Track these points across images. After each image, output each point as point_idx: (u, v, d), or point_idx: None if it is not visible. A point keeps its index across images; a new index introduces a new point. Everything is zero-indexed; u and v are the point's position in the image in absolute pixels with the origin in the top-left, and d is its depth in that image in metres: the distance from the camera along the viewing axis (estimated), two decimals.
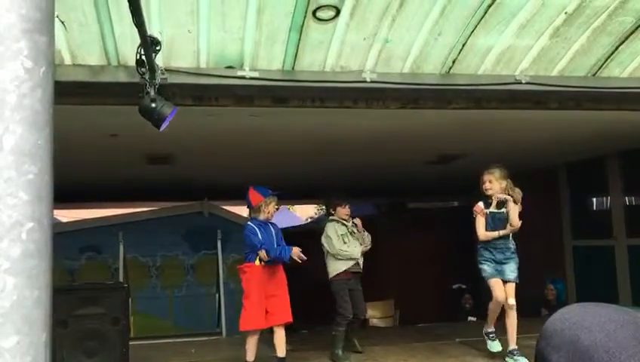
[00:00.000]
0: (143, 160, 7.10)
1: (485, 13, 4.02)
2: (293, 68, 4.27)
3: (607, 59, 4.64)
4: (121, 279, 7.93)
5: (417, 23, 4.06)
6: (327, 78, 4.35)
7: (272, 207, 5.17)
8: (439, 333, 6.91)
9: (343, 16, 3.89)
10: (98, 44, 3.86)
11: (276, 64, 4.23)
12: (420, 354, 5.76)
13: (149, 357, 6.03)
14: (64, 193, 8.10)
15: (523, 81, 4.63)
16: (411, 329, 7.58)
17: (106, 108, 4.43)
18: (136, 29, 3.13)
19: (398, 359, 5.59)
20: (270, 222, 5.21)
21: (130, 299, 5.68)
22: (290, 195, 10.55)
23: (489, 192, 5.27)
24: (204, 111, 4.71)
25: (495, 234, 5.23)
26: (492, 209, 5.28)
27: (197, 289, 8.85)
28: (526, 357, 5.05)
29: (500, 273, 5.24)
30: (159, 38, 3.67)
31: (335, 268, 5.71)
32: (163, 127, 3.87)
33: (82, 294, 4.98)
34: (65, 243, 7.81)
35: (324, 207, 10.71)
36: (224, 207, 9.29)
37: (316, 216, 18.52)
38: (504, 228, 5.23)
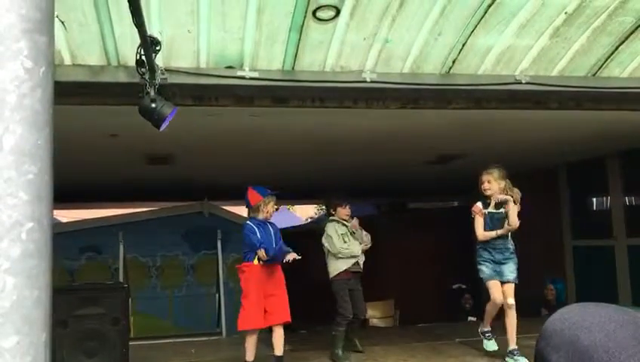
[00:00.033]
0: (143, 160, 7.11)
1: (485, 13, 4.02)
2: (293, 68, 4.27)
3: (607, 59, 4.64)
4: (121, 279, 7.92)
5: (417, 23, 4.06)
6: (327, 78, 4.35)
7: (270, 206, 5.18)
8: (439, 333, 6.91)
9: (343, 16, 3.89)
10: (98, 44, 3.86)
11: (276, 64, 4.23)
12: (420, 354, 5.76)
13: (149, 358, 6.03)
14: (64, 193, 8.11)
15: (523, 81, 4.63)
16: (411, 329, 7.58)
17: (106, 109, 4.43)
18: (136, 29, 3.13)
19: (398, 359, 5.59)
20: (269, 222, 5.22)
21: (130, 299, 5.68)
22: (290, 195, 10.56)
23: (488, 192, 5.28)
24: (204, 112, 4.71)
25: (493, 233, 5.24)
26: (490, 209, 5.29)
27: (197, 289, 8.85)
28: (526, 357, 5.05)
29: (498, 274, 5.25)
30: (159, 38, 3.67)
31: (336, 267, 5.72)
32: (163, 127, 3.87)
33: (82, 294, 4.98)
34: (65, 244, 7.81)
35: (324, 208, 10.72)
36: (224, 207, 9.29)
37: (316, 216, 18.53)
38: (502, 228, 5.23)
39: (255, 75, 4.19)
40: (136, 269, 8.57)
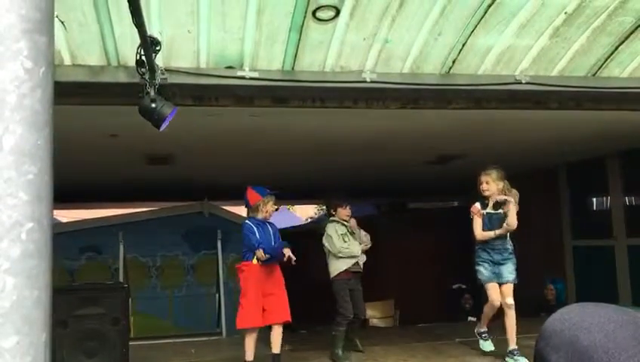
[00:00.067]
0: (143, 160, 7.11)
1: (485, 13, 4.02)
2: (293, 68, 4.27)
3: (607, 59, 4.64)
4: (121, 279, 7.92)
5: (417, 23, 4.06)
6: (327, 78, 4.35)
7: (270, 206, 5.19)
8: (439, 333, 6.91)
9: (342, 17, 3.89)
10: (98, 44, 3.87)
11: (276, 64, 4.23)
12: (420, 354, 5.77)
13: (149, 358, 6.03)
14: (64, 193, 8.11)
15: (523, 81, 4.63)
16: (411, 329, 7.58)
17: (106, 109, 4.43)
18: (136, 29, 3.13)
19: (398, 359, 5.59)
20: (268, 222, 5.23)
21: (130, 299, 5.68)
22: (290, 195, 10.56)
23: (486, 193, 5.31)
24: (204, 112, 4.72)
25: (491, 233, 5.26)
26: (489, 210, 5.32)
27: (197, 289, 8.85)
28: (526, 357, 5.05)
29: (497, 275, 5.27)
30: (159, 38, 3.68)
31: (336, 267, 5.73)
32: (163, 127, 3.87)
33: (82, 294, 4.98)
34: (65, 244, 7.80)
35: (324, 208, 10.71)
36: (224, 207, 9.29)
37: (316, 216, 18.53)
38: (501, 228, 5.25)
39: (255, 75, 4.19)
40: (137, 269, 8.57)
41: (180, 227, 8.85)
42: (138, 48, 3.56)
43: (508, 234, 5.29)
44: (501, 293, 5.26)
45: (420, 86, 4.53)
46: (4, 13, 0.85)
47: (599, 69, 4.72)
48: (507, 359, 5.24)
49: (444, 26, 4.11)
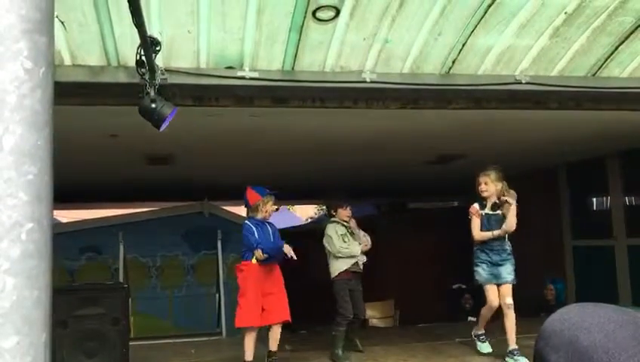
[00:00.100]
0: (143, 160, 7.11)
1: (485, 13, 4.02)
2: (293, 68, 4.27)
3: (607, 59, 4.64)
4: (121, 279, 7.92)
5: (417, 23, 4.06)
6: (327, 78, 4.35)
7: (269, 206, 5.20)
8: (439, 333, 6.91)
9: (342, 17, 3.89)
10: (98, 44, 3.87)
11: (276, 64, 4.23)
12: (420, 353, 5.77)
13: (149, 358, 6.03)
14: (64, 193, 8.11)
15: (523, 81, 4.63)
16: (411, 329, 7.58)
17: (106, 109, 4.43)
18: (136, 30, 3.13)
19: (398, 359, 5.59)
20: (267, 222, 5.23)
21: (130, 300, 5.68)
22: (290, 195, 10.56)
23: (485, 194, 5.34)
24: (204, 112, 4.72)
25: (489, 234, 5.29)
26: (487, 210, 5.34)
27: (197, 289, 8.84)
28: (526, 357, 5.06)
29: (496, 276, 5.30)
30: (159, 38, 3.68)
31: (336, 267, 5.74)
32: (163, 127, 3.87)
33: (82, 294, 4.98)
34: (65, 244, 7.80)
35: (324, 208, 10.70)
36: (224, 207, 9.29)
37: (316, 216, 18.53)
38: (499, 229, 5.26)
39: (255, 75, 4.19)
40: (137, 269, 8.57)
41: (180, 227, 8.85)
42: (138, 48, 3.56)
43: (506, 235, 5.31)
44: (500, 294, 5.28)
45: (420, 86, 4.53)
46: (4, 13, 0.85)
47: (599, 69, 4.72)
48: (507, 359, 5.25)
49: (444, 26, 4.11)
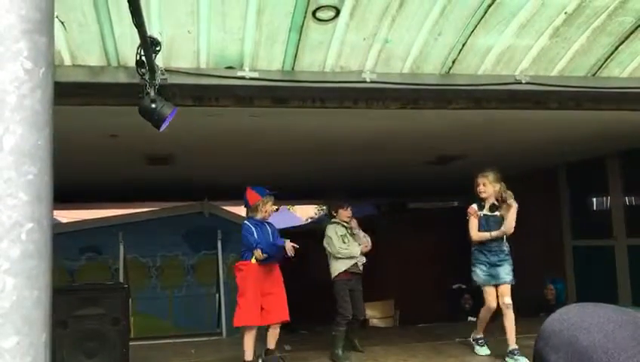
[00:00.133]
0: (143, 160, 7.11)
1: (485, 13, 4.02)
2: (293, 68, 4.27)
3: (606, 59, 4.64)
4: (121, 279, 7.92)
5: (417, 23, 4.06)
6: (327, 78, 4.35)
7: (269, 206, 5.21)
8: (439, 333, 6.91)
9: (342, 17, 3.89)
10: (98, 44, 3.87)
11: (276, 64, 4.23)
12: (421, 353, 5.77)
13: (149, 358, 6.03)
14: (64, 193, 8.11)
15: (523, 81, 4.64)
16: (411, 330, 7.58)
17: (106, 109, 4.43)
18: (136, 30, 3.13)
19: (398, 359, 5.59)
20: (267, 222, 5.25)
21: (130, 300, 5.68)
22: (290, 195, 10.56)
23: (483, 195, 5.38)
24: (204, 112, 4.72)
25: (487, 235, 5.32)
26: (485, 211, 5.37)
27: (197, 289, 8.85)
28: (526, 357, 5.06)
29: (494, 277, 5.33)
30: (159, 38, 3.68)
31: (336, 268, 5.75)
32: (163, 127, 3.87)
33: (82, 294, 4.98)
34: (65, 244, 7.81)
35: (324, 208, 10.69)
36: (224, 207, 9.29)
37: (316, 217, 18.52)
38: (497, 230, 5.31)
39: (255, 75, 4.19)
40: (137, 269, 8.58)
41: (180, 227, 8.86)
42: (138, 48, 3.56)
43: (504, 236, 5.34)
44: (499, 294, 5.31)
45: (420, 86, 4.53)
46: (4, 13, 0.85)
47: (599, 68, 4.72)
48: (507, 359, 5.25)
49: (444, 26, 4.11)
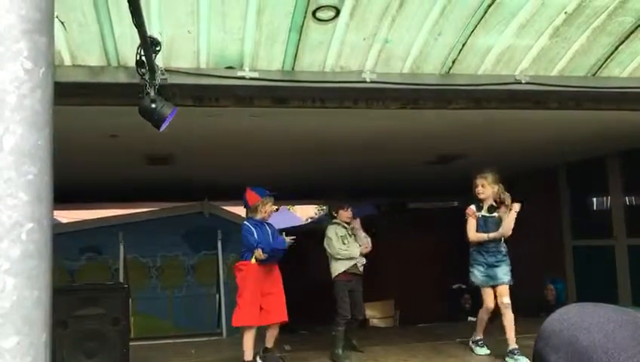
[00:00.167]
0: (143, 160, 7.11)
1: (485, 13, 4.02)
2: (293, 68, 4.27)
3: (607, 59, 4.64)
4: (121, 279, 7.92)
5: (417, 23, 4.06)
6: (327, 78, 4.35)
7: (268, 207, 5.23)
8: (439, 333, 6.91)
9: (342, 17, 3.89)
10: (98, 44, 3.87)
11: (276, 64, 4.23)
12: (421, 353, 5.77)
13: (149, 358, 6.03)
14: (64, 193, 8.11)
15: (523, 81, 4.64)
16: (411, 330, 7.58)
17: (106, 109, 4.43)
18: (136, 30, 3.13)
19: (398, 359, 5.59)
20: (267, 223, 5.26)
21: (130, 300, 5.68)
22: (290, 195, 10.56)
23: (481, 196, 5.42)
24: (204, 112, 4.72)
25: (484, 236, 5.38)
26: (484, 213, 5.41)
27: (197, 289, 8.85)
28: (526, 357, 5.06)
29: (492, 277, 5.37)
30: (159, 38, 3.68)
31: (336, 268, 5.76)
32: (163, 127, 3.88)
33: (82, 295, 4.98)
34: (65, 244, 7.81)
35: (324, 208, 10.69)
36: (224, 208, 9.29)
37: (316, 217, 18.52)
38: (495, 231, 5.36)
39: (255, 75, 4.19)
40: (137, 269, 8.57)
41: (180, 227, 8.85)
42: (138, 48, 3.56)
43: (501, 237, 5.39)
44: (497, 294, 5.35)
45: (420, 86, 4.54)
46: (4, 13, 0.85)
47: (599, 68, 4.72)
48: (507, 359, 5.26)
49: (444, 26, 4.11)
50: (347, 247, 5.76)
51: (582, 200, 9.29)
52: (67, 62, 3.92)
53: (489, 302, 5.36)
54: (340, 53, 4.21)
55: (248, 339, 5.06)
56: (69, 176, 7.08)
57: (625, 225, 8.13)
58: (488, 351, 5.55)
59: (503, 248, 5.42)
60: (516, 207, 5.24)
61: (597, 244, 8.61)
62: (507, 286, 5.33)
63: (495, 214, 5.39)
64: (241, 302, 5.05)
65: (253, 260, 5.05)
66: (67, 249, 8.04)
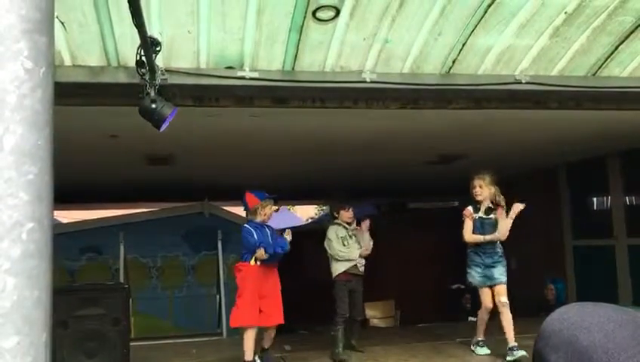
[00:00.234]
0: (143, 160, 7.11)
1: (485, 13, 4.02)
2: (293, 68, 4.27)
3: (607, 59, 4.64)
4: (121, 280, 7.92)
5: (417, 22, 4.06)
6: (327, 78, 4.35)
7: (268, 209, 5.26)
8: (440, 333, 6.91)
9: (342, 17, 3.89)
10: (98, 44, 3.87)
11: (276, 64, 4.23)
12: (421, 353, 5.77)
13: (149, 358, 6.03)
14: (64, 193, 8.11)
15: (523, 81, 4.64)
16: (412, 330, 7.58)
17: (106, 109, 4.43)
18: (136, 30, 3.13)
19: (399, 359, 5.59)
20: (266, 225, 5.28)
21: (130, 300, 5.68)
22: (290, 195, 10.56)
23: (479, 198, 5.48)
24: (204, 112, 4.72)
25: (480, 238, 5.45)
26: (481, 214, 5.45)
27: (197, 289, 8.84)
28: (525, 351, 5.09)
29: (489, 278, 5.44)
30: (159, 38, 3.68)
31: (336, 268, 5.78)
32: (163, 127, 3.88)
33: (83, 295, 4.98)
34: (65, 244, 7.80)
35: (324, 208, 10.68)
36: (224, 208, 9.29)
37: (317, 217, 18.51)
38: (491, 233, 5.42)
39: (255, 75, 4.19)
40: (137, 270, 8.57)
41: (180, 227, 8.85)
42: (138, 49, 3.56)
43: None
44: (495, 293, 5.43)
45: (420, 86, 4.54)
46: (4, 13, 0.85)
47: (599, 68, 4.72)
48: (507, 357, 5.27)
49: (444, 26, 4.11)
50: (347, 249, 5.77)
51: (582, 200, 9.29)
52: (67, 62, 3.92)
53: (487, 302, 5.44)
54: (340, 53, 4.21)
55: (249, 339, 5.06)
56: (69, 176, 7.09)
57: (625, 224, 8.13)
58: (489, 351, 5.58)
59: (499, 249, 5.51)
60: (519, 206, 5.25)
61: (597, 244, 8.61)
62: (504, 286, 5.41)
63: (492, 216, 5.46)
64: (240, 303, 5.07)
65: (252, 262, 5.08)
66: (67, 249, 8.04)
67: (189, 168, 8.02)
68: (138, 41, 3.41)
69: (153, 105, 3.76)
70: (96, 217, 9.32)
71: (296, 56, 4.17)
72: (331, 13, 3.84)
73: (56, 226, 8.18)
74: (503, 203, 5.41)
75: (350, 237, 5.85)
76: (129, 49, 3.78)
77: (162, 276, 8.81)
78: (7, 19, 0.85)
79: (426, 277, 11.06)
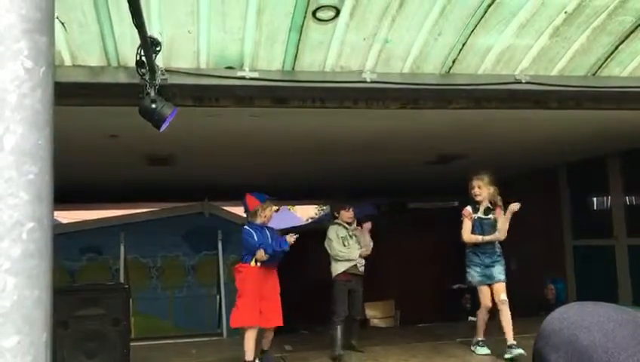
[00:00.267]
0: (144, 161, 7.11)
1: (485, 12, 4.02)
2: (293, 68, 4.27)
3: (607, 59, 4.64)
4: (121, 280, 7.93)
5: (417, 22, 4.06)
6: (327, 78, 4.35)
7: (268, 211, 5.26)
8: (440, 333, 6.91)
9: (342, 17, 3.89)
10: (98, 44, 3.87)
11: (276, 64, 4.23)
12: (421, 353, 5.77)
13: (149, 358, 6.03)
14: (64, 193, 8.11)
15: (523, 81, 4.64)
16: (412, 329, 7.58)
17: (106, 109, 4.43)
18: (136, 30, 3.13)
19: (399, 359, 5.59)
20: (266, 226, 5.28)
21: (130, 300, 5.68)
22: (290, 195, 10.56)
23: (478, 198, 5.51)
24: (205, 112, 4.72)
25: (479, 238, 5.48)
26: (480, 214, 5.48)
27: (198, 289, 8.85)
28: (523, 350, 5.10)
29: (488, 277, 5.48)
30: (159, 38, 3.68)
31: (335, 268, 5.79)
32: (163, 127, 3.88)
33: (83, 295, 4.99)
34: (65, 244, 7.81)
35: (325, 208, 10.69)
36: (224, 208, 9.29)
37: (317, 217, 18.51)
38: (490, 234, 5.45)
39: (255, 75, 4.19)
40: (137, 270, 8.57)
41: (180, 227, 8.85)
42: (138, 49, 3.56)
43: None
44: (494, 292, 5.46)
45: (420, 86, 4.54)
46: (4, 13, 0.85)
47: (599, 68, 4.72)
48: (506, 355, 5.29)
49: (444, 26, 4.11)
50: (347, 249, 5.77)
51: (582, 200, 9.28)
52: (67, 62, 3.92)
53: (486, 301, 5.47)
54: (340, 53, 4.21)
55: (249, 340, 5.07)
56: (69, 176, 7.09)
57: (625, 224, 8.13)
58: (489, 351, 5.59)
59: (498, 249, 5.54)
60: (515, 206, 5.27)
61: (597, 244, 8.61)
62: (503, 284, 5.45)
63: (491, 216, 5.49)
64: (240, 303, 5.08)
65: (252, 263, 5.08)
66: (67, 249, 8.04)
67: (189, 168, 8.02)
68: (138, 41, 3.41)
69: (153, 105, 3.76)
70: (96, 217, 9.33)
71: (296, 56, 4.17)
72: (331, 13, 3.84)
73: (57, 226, 8.19)
74: (500, 203, 5.44)
75: (350, 237, 5.85)
76: (129, 49, 3.78)
77: (162, 276, 8.81)
78: (8, 19, 0.85)
79: (426, 277, 11.06)
